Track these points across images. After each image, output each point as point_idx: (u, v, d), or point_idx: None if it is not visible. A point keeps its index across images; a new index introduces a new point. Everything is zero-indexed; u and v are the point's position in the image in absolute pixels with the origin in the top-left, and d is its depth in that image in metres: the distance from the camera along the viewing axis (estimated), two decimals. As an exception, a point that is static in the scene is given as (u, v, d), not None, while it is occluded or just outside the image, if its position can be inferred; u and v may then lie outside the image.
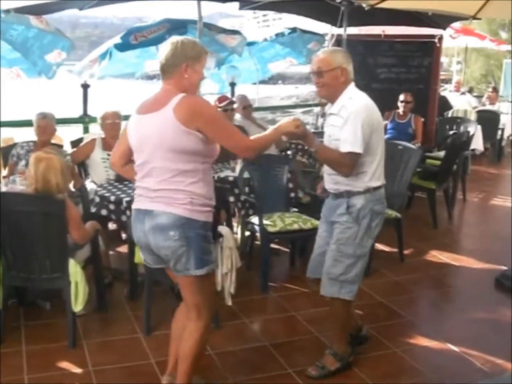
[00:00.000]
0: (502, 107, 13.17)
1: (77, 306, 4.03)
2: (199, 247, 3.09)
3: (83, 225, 4.22)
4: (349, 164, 3.50)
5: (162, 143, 3.01)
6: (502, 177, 11.25)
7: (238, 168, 5.61)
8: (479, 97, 14.28)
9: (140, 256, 4.37)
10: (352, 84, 3.62)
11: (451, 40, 13.96)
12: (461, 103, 12.09)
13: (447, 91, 13.09)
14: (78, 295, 4.02)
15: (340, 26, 8.22)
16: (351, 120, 3.47)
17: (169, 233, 3.02)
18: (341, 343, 3.88)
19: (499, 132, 11.95)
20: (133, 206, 3.22)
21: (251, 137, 3.25)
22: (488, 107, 12.80)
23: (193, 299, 3.24)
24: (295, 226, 5.18)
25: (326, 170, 3.80)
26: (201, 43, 3.24)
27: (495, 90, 14.02)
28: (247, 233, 5.83)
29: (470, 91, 14.32)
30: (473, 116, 10.93)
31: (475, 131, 9.21)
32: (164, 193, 3.05)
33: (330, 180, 3.74)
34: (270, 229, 5.13)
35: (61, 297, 4.18)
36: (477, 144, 9.74)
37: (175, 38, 3.14)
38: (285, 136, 3.38)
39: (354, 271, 3.70)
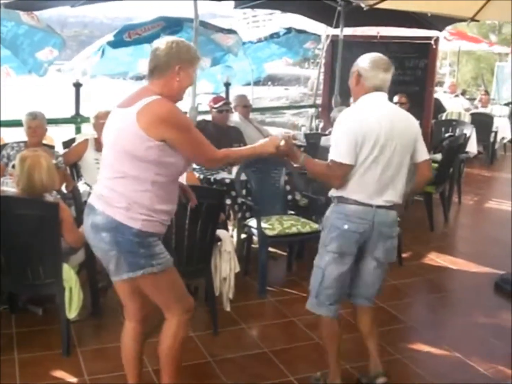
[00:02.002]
0: (495, 110, 13.23)
1: (71, 312, 3.90)
2: (129, 252, 2.93)
3: (76, 227, 4.10)
4: (335, 174, 3.31)
5: (116, 141, 2.92)
6: (495, 180, 11.28)
7: (234, 170, 5.51)
8: (471, 99, 14.31)
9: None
10: (373, 94, 3.37)
11: (444, 43, 13.96)
12: (455, 105, 12.08)
13: (440, 93, 13.06)
14: (72, 301, 3.90)
15: (336, 27, 8.15)
16: (334, 128, 3.40)
17: (101, 234, 2.93)
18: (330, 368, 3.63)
19: (492, 135, 11.95)
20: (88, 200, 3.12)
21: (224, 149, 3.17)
22: (481, 109, 12.84)
23: (157, 299, 3.15)
24: (294, 230, 5.09)
25: None
26: (195, 48, 3.13)
27: (487, 93, 14.07)
28: (243, 236, 5.73)
29: (463, 93, 14.34)
30: (467, 119, 10.94)
31: (471, 133, 9.18)
32: (106, 192, 2.95)
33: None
34: (269, 232, 5.03)
35: (53, 303, 4.07)
36: (471, 146, 9.70)
37: (170, 38, 3.01)
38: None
39: (312, 281, 3.54)
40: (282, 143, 3.19)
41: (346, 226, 3.36)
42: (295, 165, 3.63)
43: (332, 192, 3.43)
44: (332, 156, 3.30)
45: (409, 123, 3.48)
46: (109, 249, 2.93)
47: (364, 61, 3.38)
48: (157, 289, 3.10)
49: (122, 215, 2.89)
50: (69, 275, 3.91)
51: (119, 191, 2.91)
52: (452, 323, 4.77)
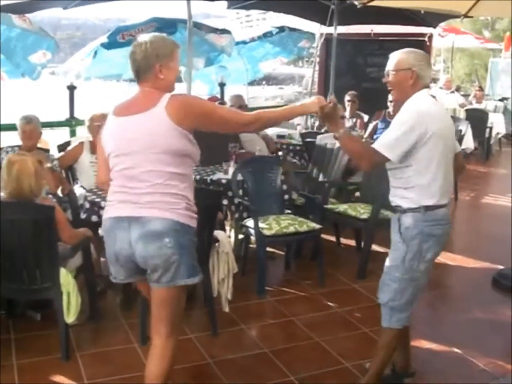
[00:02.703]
0: (489, 105, 13.25)
1: (70, 317, 3.88)
2: (191, 255, 2.92)
3: (70, 224, 4.08)
4: (370, 159, 3.22)
5: (154, 145, 2.82)
6: (491, 176, 11.30)
7: (231, 170, 5.50)
8: (465, 95, 14.32)
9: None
10: (424, 91, 3.30)
11: (437, 40, 13.99)
12: (450, 101, 12.09)
13: (435, 90, 13.07)
14: (71, 306, 3.87)
15: (330, 25, 8.14)
16: (395, 122, 3.23)
17: (164, 240, 2.80)
18: (374, 377, 3.51)
19: (488, 130, 11.96)
20: (109, 215, 2.94)
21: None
22: (475, 105, 12.85)
23: (169, 314, 2.98)
24: (291, 229, 5.07)
25: (390, 179, 3.44)
26: (170, 38, 3.04)
27: (481, 89, 14.08)
28: (240, 236, 5.71)
29: (458, 89, 14.36)
30: (462, 115, 10.95)
31: (467, 129, 9.18)
32: (157, 198, 2.84)
33: (391, 191, 3.45)
34: (266, 232, 5.02)
35: (52, 307, 4.03)
36: (468, 143, 9.70)
37: (142, 39, 2.94)
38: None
39: (404, 297, 3.37)
40: (330, 105, 3.14)
41: (444, 231, 3.37)
42: (332, 135, 3.50)
43: (415, 200, 3.27)
44: (380, 146, 3.17)
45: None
46: (172, 253, 2.82)
47: (413, 58, 3.28)
48: (177, 302, 3.01)
49: (183, 215, 2.87)
50: (67, 279, 3.88)
51: (173, 192, 2.86)
52: (451, 319, 4.76)
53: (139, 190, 2.86)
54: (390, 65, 3.33)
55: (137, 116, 2.87)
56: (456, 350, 4.17)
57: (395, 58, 3.32)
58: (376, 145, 3.18)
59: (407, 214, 3.29)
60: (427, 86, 3.34)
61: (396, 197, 3.36)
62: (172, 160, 2.85)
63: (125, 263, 2.95)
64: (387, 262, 3.42)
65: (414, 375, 3.70)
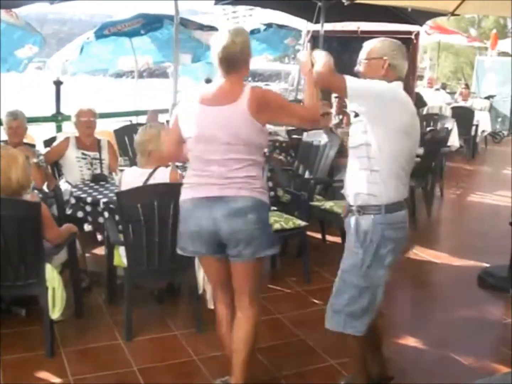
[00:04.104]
0: (475, 103, 13.31)
1: (55, 313, 3.85)
2: (270, 228, 3.26)
3: (55, 223, 4.06)
4: (329, 77, 3.02)
5: (236, 137, 3.05)
6: (477, 173, 11.36)
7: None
8: (451, 93, 14.38)
9: (119, 258, 4.28)
10: (397, 83, 3.12)
11: (423, 37, 14.02)
12: (436, 99, 12.12)
13: (420, 88, 13.12)
14: (56, 302, 3.84)
15: (317, 22, 8.13)
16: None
17: (248, 216, 3.05)
18: (359, 375, 3.45)
19: (473, 128, 12.02)
20: (194, 195, 3.15)
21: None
22: (461, 103, 12.90)
23: (249, 286, 3.24)
24: (277, 226, 5.06)
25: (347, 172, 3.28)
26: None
27: (467, 86, 14.13)
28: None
29: (444, 87, 14.41)
30: (448, 113, 10.98)
31: (453, 127, 9.22)
32: (239, 180, 3.07)
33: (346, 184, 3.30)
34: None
35: (36, 303, 3.99)
36: (453, 140, 9.75)
37: (240, 29, 3.17)
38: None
39: (360, 304, 3.19)
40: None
41: (404, 235, 3.23)
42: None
43: (374, 198, 3.09)
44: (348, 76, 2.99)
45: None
46: (255, 228, 3.07)
47: (391, 47, 3.15)
48: (258, 274, 3.29)
49: (261, 193, 3.12)
50: (52, 275, 3.86)
51: (251, 175, 3.09)
52: (436, 317, 4.76)
53: (221, 173, 3.09)
54: (362, 54, 3.22)
55: (221, 108, 3.06)
56: (441, 348, 4.16)
57: (368, 47, 3.21)
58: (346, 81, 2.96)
59: (365, 215, 3.11)
60: (402, 80, 3.18)
61: (350, 196, 3.20)
62: (250, 150, 3.09)
63: (208, 239, 3.16)
64: (342, 266, 3.27)
65: (392, 379, 3.61)
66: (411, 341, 4.30)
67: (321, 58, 3.07)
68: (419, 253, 6.17)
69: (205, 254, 3.27)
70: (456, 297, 5.14)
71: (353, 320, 3.23)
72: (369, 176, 3.08)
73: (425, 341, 4.28)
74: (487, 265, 5.63)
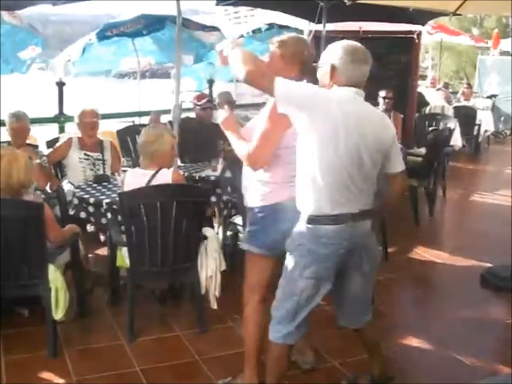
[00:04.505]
0: (477, 103, 13.29)
1: (58, 313, 3.85)
2: None
3: (57, 225, 4.07)
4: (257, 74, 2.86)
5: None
6: (480, 173, 11.35)
7: (219, 167, 5.49)
8: (453, 93, 14.36)
9: (122, 259, 4.29)
10: (346, 89, 2.94)
11: (425, 37, 14.00)
12: (438, 99, 12.10)
13: (423, 87, 13.10)
14: (59, 302, 3.84)
15: (319, 22, 8.11)
16: None
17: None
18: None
19: (476, 128, 12.00)
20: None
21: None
22: (463, 103, 12.87)
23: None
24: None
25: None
26: None
27: (470, 86, 14.11)
28: (228, 233, 5.70)
29: (446, 87, 14.38)
30: (450, 112, 10.96)
31: (455, 127, 9.21)
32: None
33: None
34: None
35: (39, 303, 4.00)
36: (456, 140, 9.72)
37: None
38: None
39: (283, 310, 3.09)
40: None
41: (329, 251, 2.98)
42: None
43: (303, 208, 2.98)
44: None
45: (384, 126, 3.04)
46: None
47: (339, 53, 2.94)
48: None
49: None
50: (55, 275, 3.86)
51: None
52: (439, 317, 4.75)
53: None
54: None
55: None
56: (444, 348, 4.16)
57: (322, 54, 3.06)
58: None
59: (299, 222, 2.99)
60: (356, 85, 2.95)
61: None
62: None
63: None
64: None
65: (393, 379, 3.59)
66: (413, 341, 4.29)
67: (244, 55, 2.89)
68: (422, 253, 6.16)
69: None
70: (458, 297, 5.13)
71: (276, 324, 3.15)
72: (295, 181, 3.01)
73: (427, 341, 4.28)
74: (490, 265, 5.61)
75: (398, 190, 3.23)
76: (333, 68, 2.94)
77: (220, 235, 5.80)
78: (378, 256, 3.35)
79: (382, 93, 8.06)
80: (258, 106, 14.03)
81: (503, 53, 17.56)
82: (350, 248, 3.00)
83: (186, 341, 4.17)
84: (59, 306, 3.86)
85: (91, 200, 4.70)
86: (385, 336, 4.32)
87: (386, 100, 8.05)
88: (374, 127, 2.95)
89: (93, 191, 4.93)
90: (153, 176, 4.20)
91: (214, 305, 4.35)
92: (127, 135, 6.62)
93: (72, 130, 6.03)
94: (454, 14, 6.73)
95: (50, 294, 3.84)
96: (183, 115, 6.68)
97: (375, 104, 8.14)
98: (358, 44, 3.02)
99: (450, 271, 5.81)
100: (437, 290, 5.49)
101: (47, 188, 5.19)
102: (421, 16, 8.24)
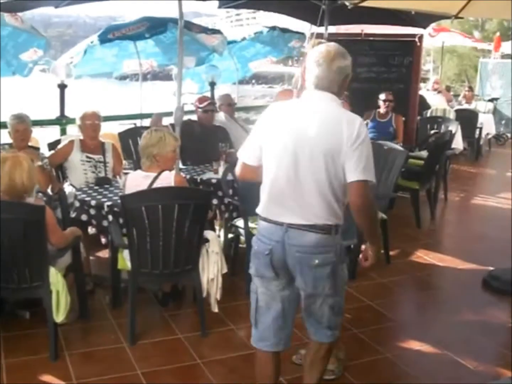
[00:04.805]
0: (479, 106, 13.27)
1: (59, 316, 3.85)
2: None
3: (59, 227, 4.07)
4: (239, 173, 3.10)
5: None
6: (481, 176, 11.32)
7: (221, 170, 5.49)
8: (454, 96, 14.33)
9: (123, 262, 4.29)
10: (305, 92, 2.91)
11: (427, 39, 13.97)
12: (439, 102, 12.09)
13: (424, 90, 13.08)
14: (60, 305, 3.84)
15: (321, 25, 8.11)
16: None
17: None
18: None
19: (477, 131, 11.99)
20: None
21: None
22: (465, 106, 12.85)
23: None
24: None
25: None
26: None
27: (471, 89, 14.09)
28: (230, 236, 5.70)
29: (448, 90, 14.36)
30: (452, 115, 10.95)
31: (457, 130, 9.20)
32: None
33: None
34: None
35: (40, 306, 4.00)
36: (457, 143, 9.71)
37: None
38: None
39: (252, 307, 3.12)
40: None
41: (256, 246, 3.02)
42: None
43: None
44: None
45: (337, 130, 2.78)
46: None
47: (308, 58, 2.89)
48: None
49: None
50: (56, 278, 3.86)
51: None
52: (441, 321, 4.74)
53: None
54: None
55: None
56: (445, 352, 4.16)
57: None
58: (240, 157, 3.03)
59: None
60: (317, 87, 2.85)
61: None
62: None
63: None
64: None
65: None
66: (414, 344, 4.29)
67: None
68: (423, 256, 6.15)
69: None
70: (460, 301, 5.12)
71: (253, 326, 3.14)
72: None
73: (429, 344, 4.27)
74: (492, 268, 5.60)
75: (353, 204, 2.82)
76: (303, 73, 2.95)
77: (222, 238, 5.81)
78: (329, 283, 2.93)
79: (382, 96, 8.07)
80: (259, 108, 14.10)
81: (505, 56, 17.54)
82: (281, 253, 2.89)
83: (187, 344, 4.16)
84: (60, 309, 3.85)
85: (93, 202, 4.69)
86: (386, 339, 4.33)
87: (387, 103, 8.06)
88: (321, 131, 2.77)
89: (95, 194, 4.92)
90: (155, 178, 4.20)
91: (215, 308, 4.35)
92: (129, 137, 6.60)
93: (74, 133, 6.01)
94: (456, 17, 6.70)
95: (51, 297, 3.84)
96: (185, 117, 6.69)
97: (377, 106, 8.15)
98: (327, 46, 2.86)
99: (452, 274, 5.81)
100: (439, 293, 5.47)
101: (49, 190, 5.19)
102: (423, 19, 8.24)
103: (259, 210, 2.98)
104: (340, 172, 2.79)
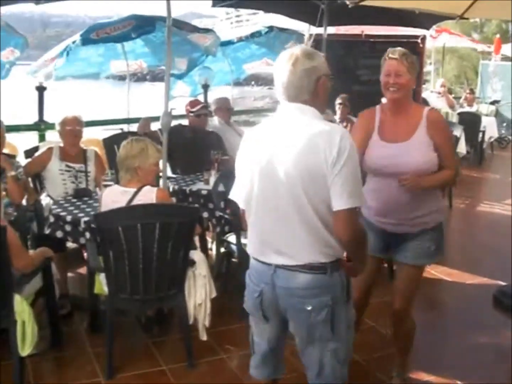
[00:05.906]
0: (481, 108, 13.18)
1: (25, 349, 3.43)
2: None
3: (25, 250, 3.69)
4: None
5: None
6: (485, 181, 11.20)
7: (212, 180, 5.11)
8: (455, 98, 14.13)
9: (100, 286, 3.88)
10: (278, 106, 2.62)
11: (428, 41, 13.78)
12: (442, 105, 11.82)
13: (428, 92, 12.84)
14: (26, 336, 3.43)
15: (320, 25, 7.80)
16: None
17: None
18: None
19: (480, 134, 11.79)
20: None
21: None
22: (467, 108, 12.65)
23: None
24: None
25: None
26: None
27: (472, 91, 13.92)
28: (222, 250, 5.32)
29: (450, 92, 14.16)
30: (455, 119, 10.73)
31: (461, 134, 8.89)
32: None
33: None
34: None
35: (5, 336, 3.58)
36: (461, 147, 9.40)
37: None
38: None
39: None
40: None
41: (247, 283, 2.75)
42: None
43: None
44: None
45: (313, 151, 2.40)
46: None
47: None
48: None
49: None
50: (21, 307, 3.43)
51: None
52: (450, 344, 4.43)
53: None
54: None
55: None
56: (454, 377, 3.88)
57: None
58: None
59: None
60: (296, 99, 2.52)
61: None
62: None
63: None
64: None
65: None
66: (423, 374, 3.96)
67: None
68: (430, 270, 5.79)
69: None
70: (470, 321, 4.82)
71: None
72: None
73: (439, 373, 3.98)
74: (502, 282, 5.36)
75: (341, 236, 2.47)
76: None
77: (214, 251, 5.43)
78: (326, 328, 2.58)
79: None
80: (258, 111, 13.79)
81: (504, 58, 17.39)
82: (272, 296, 2.59)
83: (171, 376, 3.78)
84: (26, 341, 3.44)
85: (68, 218, 4.28)
86: (390, 362, 3.95)
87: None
88: (294, 152, 2.42)
89: (71, 208, 4.51)
90: (135, 194, 3.78)
91: (203, 336, 3.96)
92: (115, 144, 6.15)
93: (54, 139, 5.63)
94: (461, 17, 6.39)
95: (16, 327, 3.42)
96: (176, 122, 6.32)
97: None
98: (291, 48, 2.56)
99: (461, 291, 5.50)
100: (447, 313, 5.19)
101: (24, 202, 4.78)
102: (426, 20, 7.99)
103: (247, 247, 2.72)
104: (325, 194, 2.41)
